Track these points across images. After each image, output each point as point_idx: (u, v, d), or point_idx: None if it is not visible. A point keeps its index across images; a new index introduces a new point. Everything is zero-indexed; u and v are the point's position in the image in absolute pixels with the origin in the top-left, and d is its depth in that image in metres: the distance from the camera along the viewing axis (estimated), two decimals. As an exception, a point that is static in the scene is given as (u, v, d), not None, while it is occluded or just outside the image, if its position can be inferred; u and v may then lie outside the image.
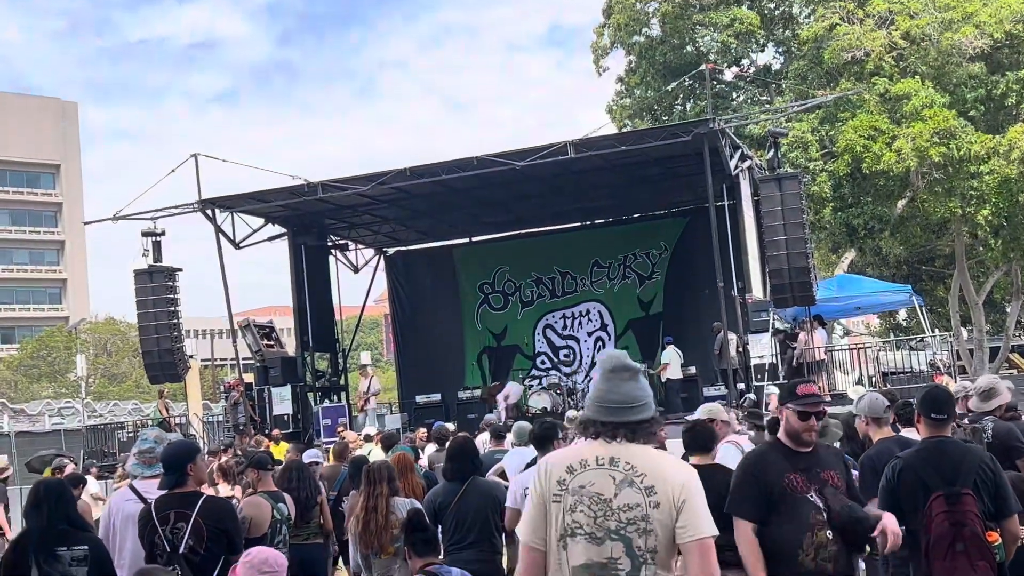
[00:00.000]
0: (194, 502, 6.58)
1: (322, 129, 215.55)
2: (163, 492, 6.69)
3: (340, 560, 11.82)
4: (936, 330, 28.77)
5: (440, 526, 7.92)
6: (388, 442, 12.98)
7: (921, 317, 25.88)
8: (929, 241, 34.97)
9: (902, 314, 44.12)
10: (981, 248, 32.68)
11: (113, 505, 7.19)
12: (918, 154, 27.10)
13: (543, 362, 28.99)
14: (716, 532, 3.80)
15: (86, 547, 6.57)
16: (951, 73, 28.64)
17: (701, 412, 8.86)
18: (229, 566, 5.82)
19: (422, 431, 19.25)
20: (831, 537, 5.18)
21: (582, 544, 3.73)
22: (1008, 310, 39.11)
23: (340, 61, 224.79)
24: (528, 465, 9.03)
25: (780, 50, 36.66)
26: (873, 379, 22.02)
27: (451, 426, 18.85)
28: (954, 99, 28.44)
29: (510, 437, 12.89)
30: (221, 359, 53.98)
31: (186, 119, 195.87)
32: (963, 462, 5.62)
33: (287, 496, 9.17)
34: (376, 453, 15.73)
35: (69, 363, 66.76)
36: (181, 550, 6.33)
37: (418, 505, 7.53)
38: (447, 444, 9.00)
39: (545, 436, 8.01)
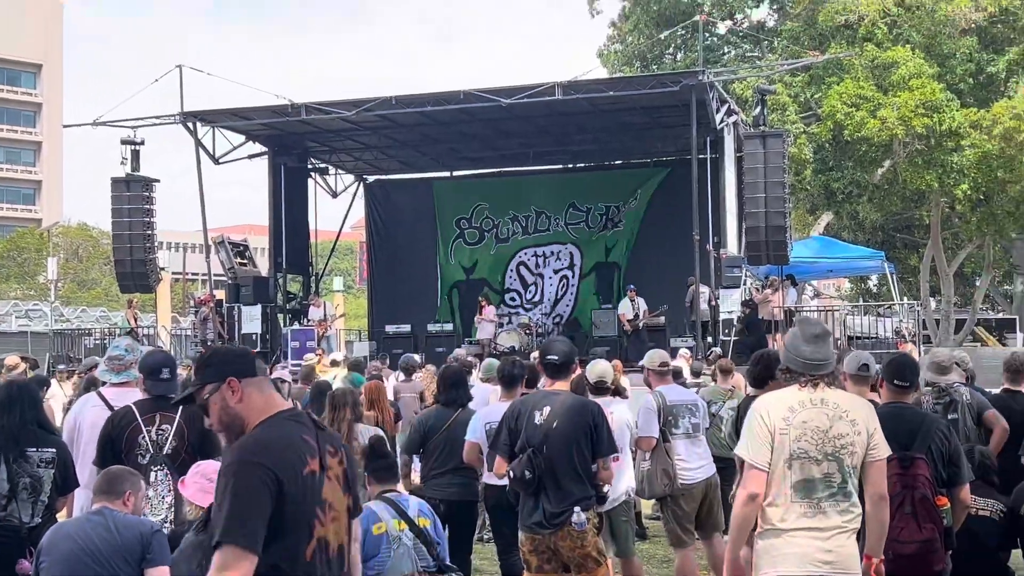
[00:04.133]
0: (177, 407, 6.65)
1: (310, 50, 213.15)
2: (145, 396, 6.74)
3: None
4: (905, 298, 29.02)
5: (424, 448, 8.10)
6: (356, 368, 13.05)
7: (891, 284, 26.10)
8: (907, 209, 35.16)
9: (873, 280, 44.51)
10: (957, 221, 32.90)
11: (78, 410, 7.22)
12: (903, 123, 27.15)
13: (512, 299, 29.00)
14: (890, 452, 5.06)
15: (54, 450, 6.65)
16: (943, 44, 28.62)
17: (644, 360, 9.04)
18: None
19: (389, 360, 19.42)
20: None
21: (806, 464, 4.82)
22: (978, 284, 39.50)
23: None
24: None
25: (775, 7, 36.51)
26: (839, 342, 22.25)
27: (418, 357, 18.99)
28: (943, 71, 28.45)
29: (476, 372, 13.07)
30: (192, 274, 53.79)
31: (173, 28, 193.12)
32: (919, 429, 5.80)
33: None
34: (343, 378, 15.87)
35: (39, 265, 66.29)
36: (166, 451, 6.41)
37: (380, 432, 7.63)
38: (442, 371, 9.10)
39: (513, 376, 8.09)
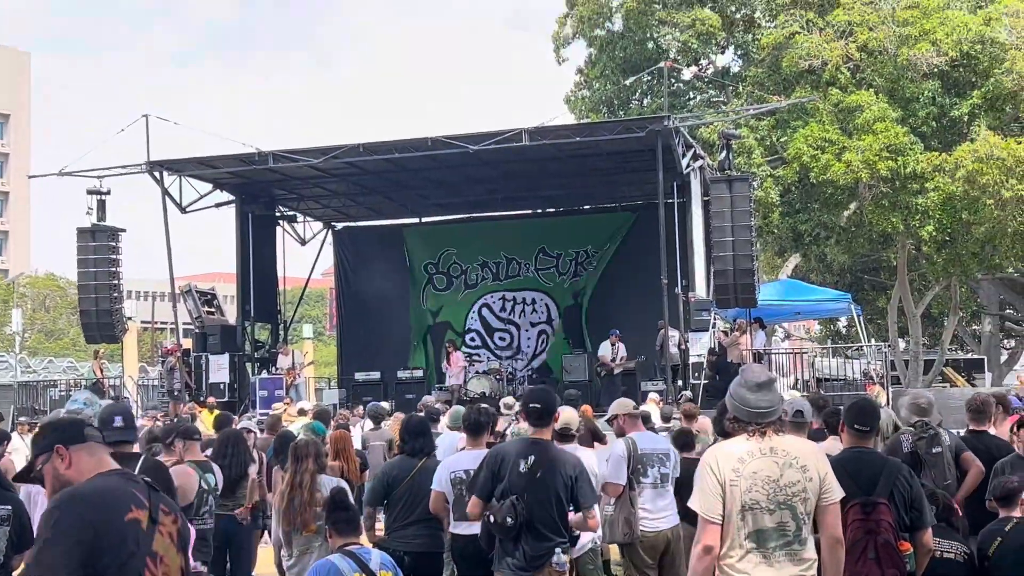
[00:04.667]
0: (134, 463, 6.58)
1: (277, 97, 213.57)
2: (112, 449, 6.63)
3: (266, 533, 11.81)
4: (874, 340, 29.15)
5: (388, 499, 8.01)
6: (321, 417, 12.94)
7: (859, 326, 26.22)
8: (874, 251, 35.41)
9: (842, 321, 44.72)
10: (923, 262, 33.15)
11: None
12: (867, 167, 27.40)
13: (472, 339, 29.01)
14: (843, 495, 5.05)
15: (9, 507, 6.50)
16: (905, 88, 28.95)
17: (612, 407, 9.02)
18: None
19: (359, 409, 19.31)
20: None
21: (759, 515, 4.80)
22: (945, 324, 39.73)
23: (300, 28, 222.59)
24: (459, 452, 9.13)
25: (739, 53, 36.86)
26: (808, 384, 22.32)
27: (387, 405, 18.89)
28: (907, 114, 28.77)
29: (444, 420, 12.98)
30: (161, 323, 53.42)
31: (140, 77, 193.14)
32: (881, 473, 5.79)
33: (215, 466, 9.17)
34: (303, 427, 15.74)
35: (5, 316, 65.73)
36: None
37: (343, 484, 7.55)
38: (405, 420, 9.01)
39: (479, 424, 8.02)
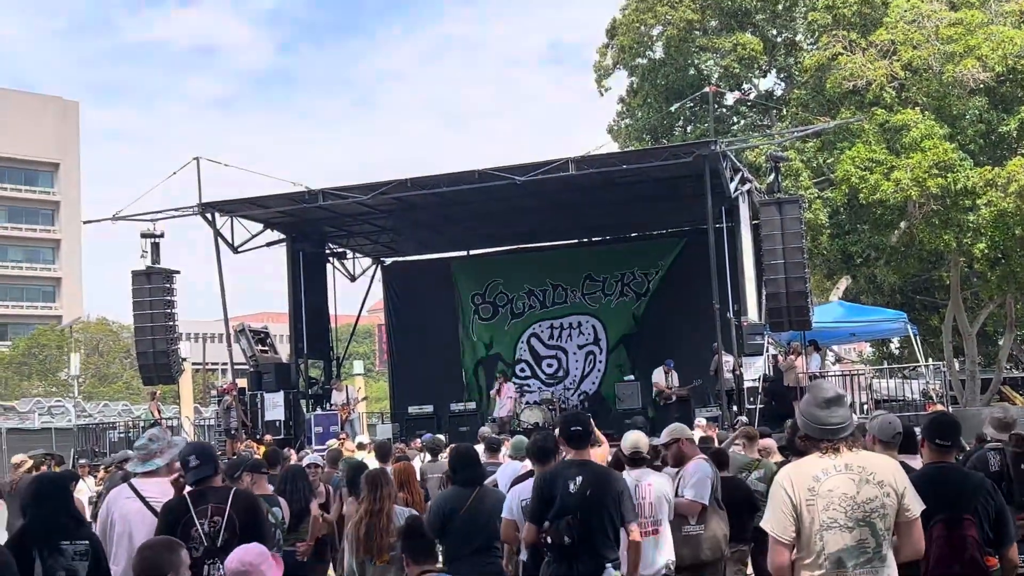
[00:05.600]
0: (227, 496, 6.65)
1: (318, 138, 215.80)
2: (193, 487, 6.73)
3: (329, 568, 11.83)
4: (931, 360, 28.82)
5: (445, 530, 7.99)
6: (382, 451, 12.97)
7: (915, 345, 25.92)
8: (925, 271, 35.08)
9: (895, 343, 44.25)
10: (975, 280, 32.78)
11: (111, 502, 7.18)
12: (917, 184, 27.19)
13: (522, 369, 29.00)
14: (923, 508, 4.95)
15: (87, 541, 6.58)
16: (952, 105, 28.75)
17: (667, 433, 8.98)
18: None
19: (416, 442, 19.34)
20: None
21: (837, 533, 4.77)
22: (1000, 343, 39.22)
23: (339, 71, 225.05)
24: (518, 479, 9.13)
25: (782, 76, 36.83)
26: (865, 406, 22.06)
27: (442, 438, 18.91)
28: (954, 131, 28.56)
29: (505, 450, 12.97)
30: (212, 363, 53.89)
31: (184, 123, 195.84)
32: (964, 488, 5.72)
33: (282, 500, 9.22)
34: (369, 462, 15.77)
35: (60, 362, 66.63)
36: (219, 543, 6.35)
37: (416, 512, 7.56)
38: (452, 451, 9.03)
39: (547, 451, 8.02)
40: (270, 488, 9.48)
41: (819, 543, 4.78)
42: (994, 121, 28.90)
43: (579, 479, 6.90)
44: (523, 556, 7.83)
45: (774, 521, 4.88)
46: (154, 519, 6.71)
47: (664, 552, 8.06)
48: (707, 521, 8.66)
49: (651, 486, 7.95)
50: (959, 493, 5.68)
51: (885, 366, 32.58)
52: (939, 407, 18.88)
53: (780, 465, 6.93)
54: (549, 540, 6.86)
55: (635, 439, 8.45)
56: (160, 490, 6.92)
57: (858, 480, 4.80)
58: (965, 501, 5.66)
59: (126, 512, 6.85)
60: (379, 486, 7.52)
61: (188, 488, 6.79)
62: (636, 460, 8.18)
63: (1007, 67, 28.21)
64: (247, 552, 5.54)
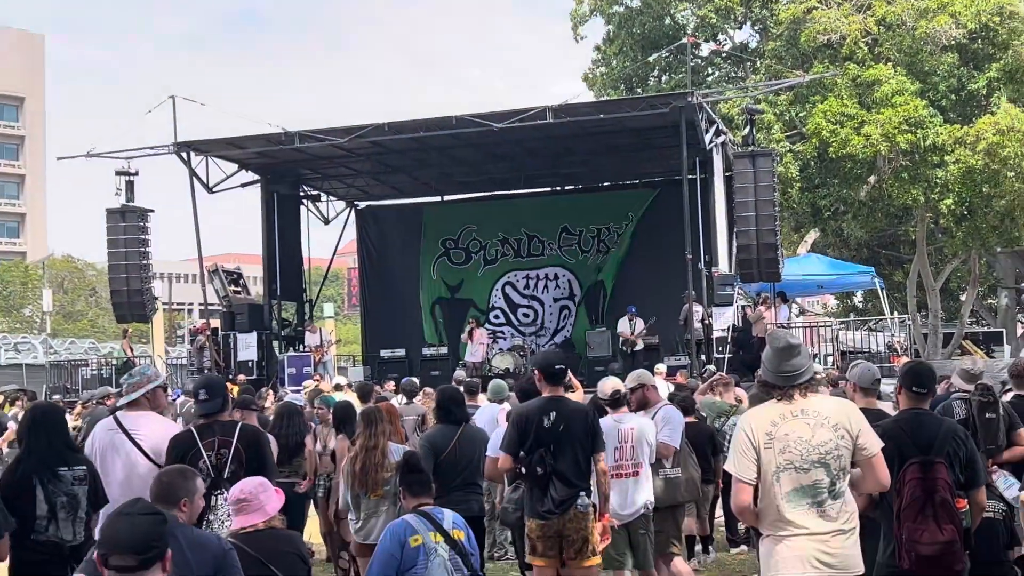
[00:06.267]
0: (233, 429, 6.88)
1: (288, 80, 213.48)
2: (202, 419, 6.93)
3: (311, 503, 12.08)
4: (896, 313, 29.30)
5: (434, 466, 8.30)
6: (363, 391, 13.20)
7: (882, 299, 26.34)
8: (891, 226, 35.51)
9: (858, 296, 44.86)
10: (941, 236, 33.23)
11: (96, 435, 7.31)
12: (887, 140, 27.50)
13: (496, 316, 29.17)
14: (882, 445, 5.27)
15: (84, 467, 6.77)
16: (924, 61, 28.98)
17: (633, 378, 9.29)
18: None
19: (390, 384, 19.57)
20: None
21: (793, 474, 5.09)
22: (963, 298, 39.85)
23: (308, 10, 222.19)
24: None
25: (756, 28, 36.90)
26: (831, 358, 22.49)
27: (416, 380, 19.12)
28: (925, 87, 28.83)
29: (483, 394, 13.24)
30: (179, 303, 53.65)
31: (151, 61, 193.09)
32: (938, 434, 5.99)
33: (270, 437, 9.46)
34: (351, 401, 15.99)
35: (24, 298, 66.18)
36: (225, 475, 6.56)
37: (413, 449, 7.82)
38: (439, 392, 9.32)
39: (530, 392, 8.33)
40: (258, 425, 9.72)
41: (776, 483, 5.10)
42: (964, 78, 29.21)
43: (553, 414, 7.35)
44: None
45: (736, 463, 5.21)
46: (132, 448, 6.85)
47: (644, 492, 8.40)
48: (683, 464, 9.17)
49: (633, 429, 8.30)
50: (932, 437, 5.96)
51: (851, 318, 33.09)
52: (904, 359, 19.31)
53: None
54: (524, 470, 7.35)
55: (613, 382, 8.81)
56: (140, 423, 6.99)
57: (813, 424, 5.10)
58: (938, 446, 5.93)
59: (109, 443, 6.97)
60: (375, 422, 7.76)
61: (197, 421, 6.98)
62: (617, 401, 8.50)
63: (979, 24, 28.47)
64: (248, 483, 5.78)
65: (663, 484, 8.87)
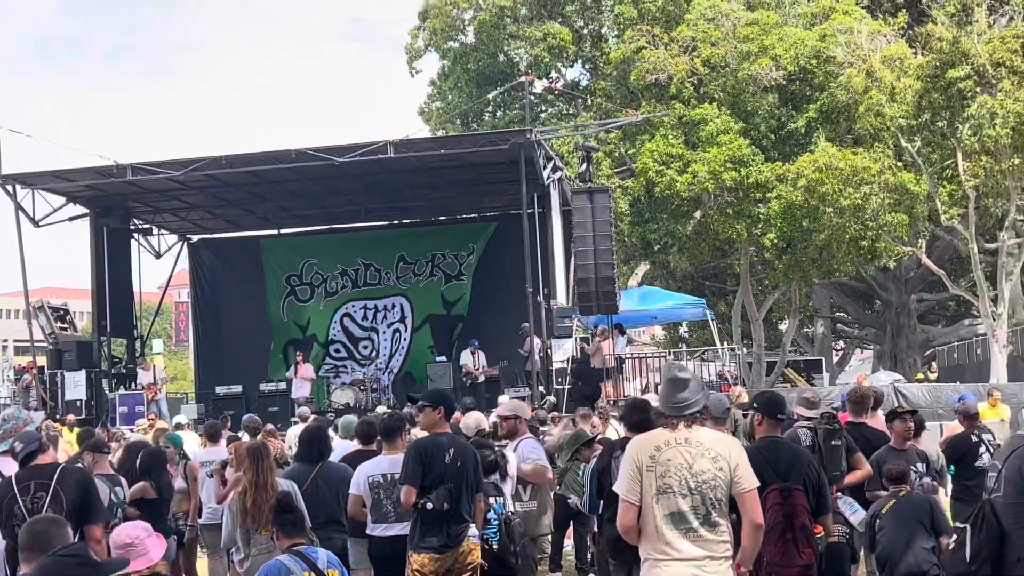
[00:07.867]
0: (51, 473, 6.80)
1: (112, 105, 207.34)
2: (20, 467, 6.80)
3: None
4: (725, 343, 30.39)
5: None
6: (212, 431, 12.95)
7: (712, 329, 27.27)
8: (716, 258, 36.84)
9: (684, 327, 46.24)
10: (761, 268, 34.66)
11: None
12: (713, 177, 28.65)
13: (337, 350, 28.91)
14: (758, 484, 5.51)
15: None
16: (746, 102, 30.34)
17: (509, 408, 9.52)
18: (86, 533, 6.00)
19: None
20: None
21: (672, 498, 5.33)
22: (783, 327, 41.52)
23: (127, 36, 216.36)
24: (347, 458, 9.39)
25: (587, 67, 37.91)
26: (659, 387, 23.06)
27: (258, 418, 18.83)
28: (748, 127, 30.15)
29: (335, 432, 13.17)
30: (3, 340, 51.50)
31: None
32: (795, 461, 6.37)
33: (123, 480, 9.25)
34: (192, 440, 15.67)
35: None
36: None
37: (288, 487, 7.79)
38: (304, 429, 9.29)
39: (394, 429, 8.43)
40: (110, 469, 9.50)
41: (655, 505, 5.35)
42: (785, 118, 30.68)
43: (452, 451, 7.61)
44: (371, 530, 8.16)
45: (622, 483, 5.47)
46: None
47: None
48: (539, 496, 9.35)
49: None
50: (791, 465, 6.34)
51: (683, 348, 34.09)
52: (739, 388, 20.03)
53: (625, 440, 7.56)
54: (430, 506, 7.43)
55: (477, 419, 8.96)
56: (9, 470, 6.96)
57: (694, 453, 5.36)
58: (796, 472, 6.31)
59: None
60: (261, 459, 7.72)
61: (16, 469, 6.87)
62: (484, 438, 8.66)
63: (798, 67, 29.99)
64: (133, 528, 5.71)
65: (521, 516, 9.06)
